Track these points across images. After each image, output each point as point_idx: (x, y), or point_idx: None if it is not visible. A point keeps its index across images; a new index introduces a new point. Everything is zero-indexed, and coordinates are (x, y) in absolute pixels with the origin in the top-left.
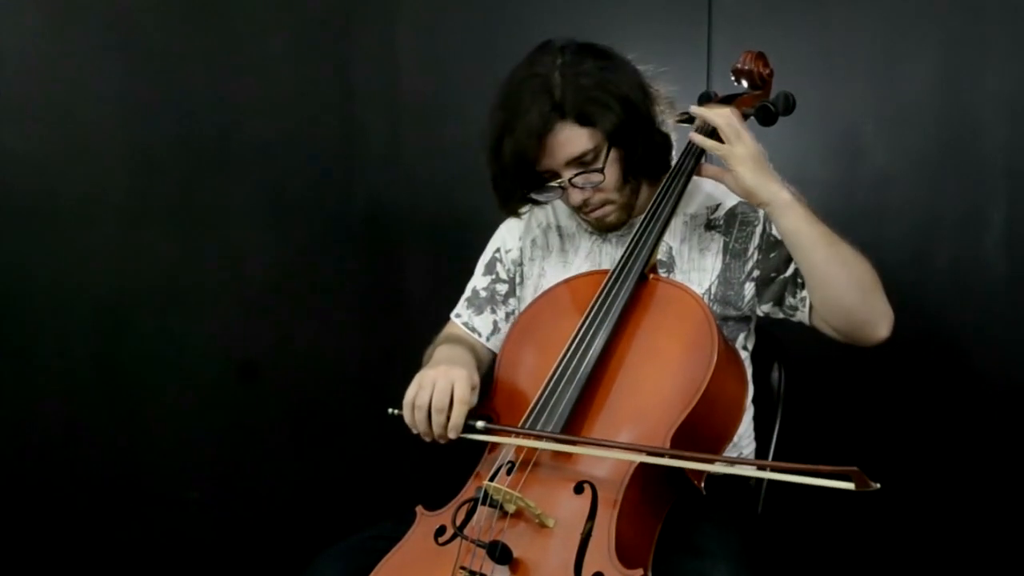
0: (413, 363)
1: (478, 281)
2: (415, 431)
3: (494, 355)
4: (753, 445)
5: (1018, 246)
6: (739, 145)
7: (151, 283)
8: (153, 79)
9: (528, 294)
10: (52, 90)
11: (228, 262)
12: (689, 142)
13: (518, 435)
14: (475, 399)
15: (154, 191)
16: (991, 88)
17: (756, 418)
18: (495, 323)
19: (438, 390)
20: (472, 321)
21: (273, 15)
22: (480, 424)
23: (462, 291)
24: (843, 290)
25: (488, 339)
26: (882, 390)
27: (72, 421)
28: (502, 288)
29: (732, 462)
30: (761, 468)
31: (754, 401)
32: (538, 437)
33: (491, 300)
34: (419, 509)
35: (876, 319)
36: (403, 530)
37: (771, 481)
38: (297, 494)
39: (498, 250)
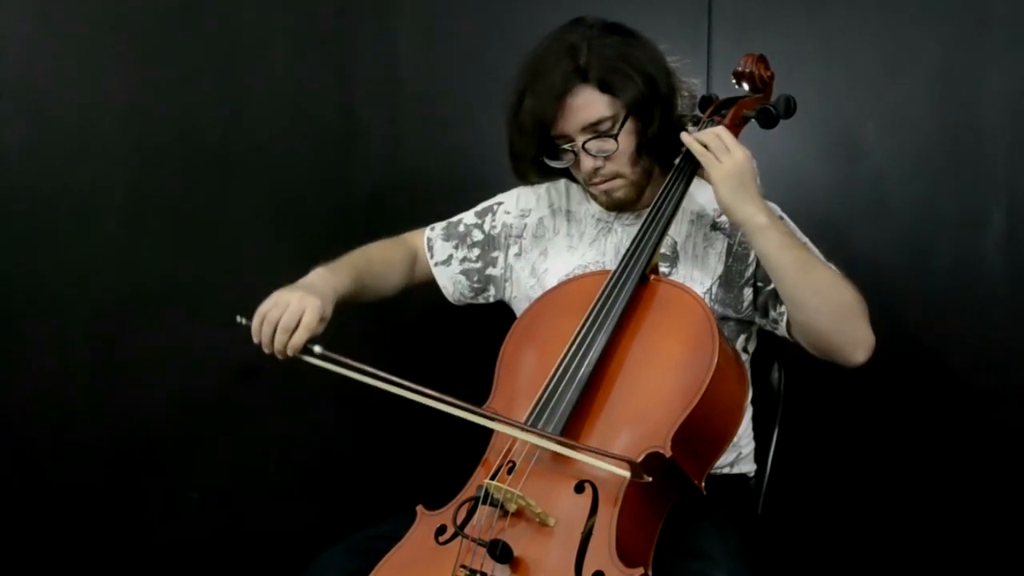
0: (414, 362)
1: (467, 216)
2: (256, 341)
3: (432, 281)
4: (752, 445)
5: (1018, 246)
6: (726, 160)
7: (151, 283)
8: (153, 79)
9: (523, 273)
10: (52, 90)
11: (228, 262)
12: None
13: (356, 370)
14: (321, 328)
15: (154, 191)
16: (991, 88)
17: (756, 418)
18: (451, 256)
19: (289, 312)
20: (435, 242)
21: (273, 15)
22: (317, 348)
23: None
24: (815, 315)
25: (436, 265)
26: (881, 390)
27: (71, 420)
28: (477, 235)
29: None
30: (560, 444)
31: (754, 401)
32: (387, 382)
33: (462, 237)
34: (419, 508)
35: (850, 346)
36: (403, 529)
37: (771, 481)
38: (297, 494)
39: (499, 203)
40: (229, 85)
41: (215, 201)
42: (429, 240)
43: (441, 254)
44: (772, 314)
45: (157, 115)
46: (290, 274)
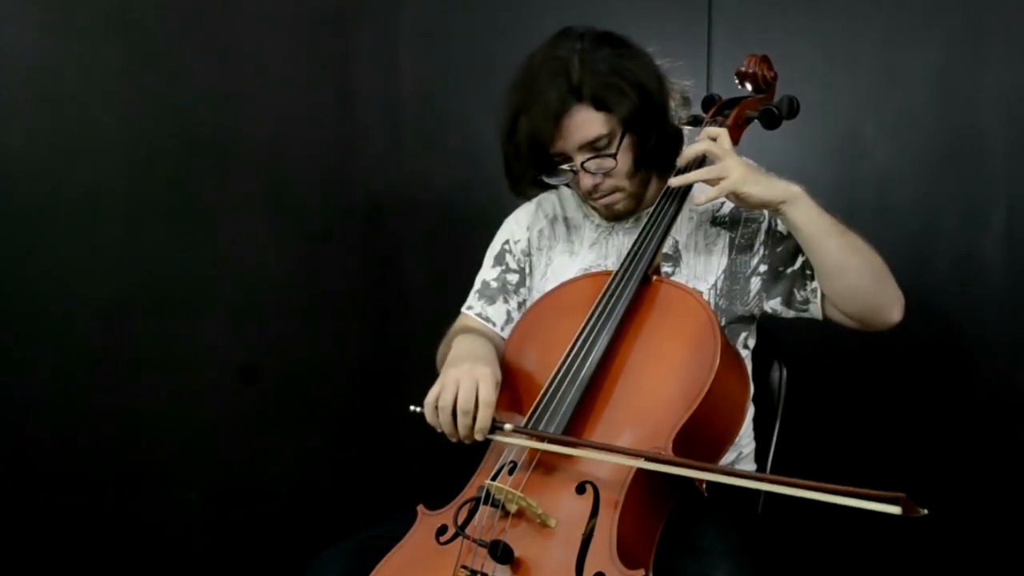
0: (413, 362)
1: (487, 273)
2: (439, 431)
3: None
4: (753, 444)
5: (1018, 246)
6: (728, 173)
7: (151, 283)
8: (153, 78)
9: (536, 283)
10: (52, 90)
11: (228, 262)
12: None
13: (543, 439)
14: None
15: (154, 191)
16: (991, 88)
17: (756, 417)
18: (508, 312)
19: (463, 391)
20: (486, 311)
21: (273, 15)
22: (508, 426)
23: (462, 290)
24: (857, 276)
25: (503, 328)
26: (882, 389)
27: (71, 421)
28: (513, 278)
29: (759, 479)
30: (794, 486)
31: (754, 400)
32: (565, 444)
33: (503, 290)
34: (420, 508)
35: (890, 303)
36: (404, 529)
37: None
38: (297, 494)
39: (507, 242)
40: (229, 85)
41: (215, 201)
42: (480, 315)
43: (499, 317)
44: (801, 294)
45: (156, 115)
46: (290, 274)
